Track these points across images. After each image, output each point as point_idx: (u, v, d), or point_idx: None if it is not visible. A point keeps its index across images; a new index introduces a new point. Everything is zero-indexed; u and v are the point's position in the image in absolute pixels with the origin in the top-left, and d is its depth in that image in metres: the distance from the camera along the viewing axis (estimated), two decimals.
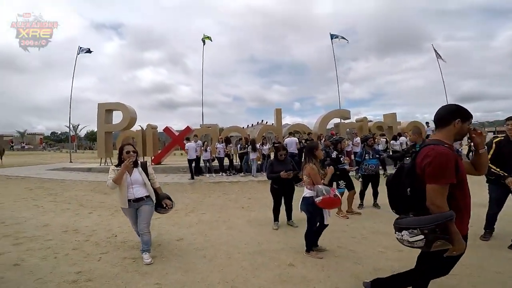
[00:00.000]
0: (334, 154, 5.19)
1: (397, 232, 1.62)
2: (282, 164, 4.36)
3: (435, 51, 18.77)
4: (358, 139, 11.14)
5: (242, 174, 10.90)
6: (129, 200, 3.26)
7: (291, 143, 10.15)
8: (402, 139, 11.73)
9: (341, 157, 5.25)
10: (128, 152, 3.23)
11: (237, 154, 11.27)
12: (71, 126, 29.84)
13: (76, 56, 15.77)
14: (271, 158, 5.28)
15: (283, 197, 4.57)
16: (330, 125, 14.43)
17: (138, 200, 3.29)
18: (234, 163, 11.58)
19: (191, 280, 2.87)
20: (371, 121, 14.17)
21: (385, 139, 11.50)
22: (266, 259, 3.38)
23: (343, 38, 18.11)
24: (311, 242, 3.46)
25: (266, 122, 18.64)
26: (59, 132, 68.79)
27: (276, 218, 4.63)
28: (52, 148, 51.83)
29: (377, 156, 5.52)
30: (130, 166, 3.22)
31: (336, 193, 3.16)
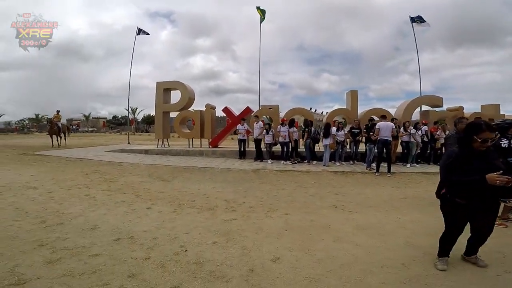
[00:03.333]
0: (505, 143, 3.62)
1: None
2: (483, 159, 2.19)
3: None
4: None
5: (306, 162, 9.33)
6: None
7: (386, 128, 7.57)
8: None
9: None
10: None
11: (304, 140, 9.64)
12: (129, 109, 32.43)
13: (135, 37, 15.93)
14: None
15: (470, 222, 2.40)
16: (415, 114, 11.67)
17: None
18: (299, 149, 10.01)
19: None
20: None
21: None
22: None
23: (422, 21, 14.18)
24: None
25: (316, 110, 16.60)
26: (120, 116, 75.64)
27: (445, 252, 2.55)
28: (113, 130, 57.46)
29: None
30: None
31: None
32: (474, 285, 2.14)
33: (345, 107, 11.55)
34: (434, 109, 11.35)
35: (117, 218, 3.97)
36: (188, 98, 12.06)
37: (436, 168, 8.37)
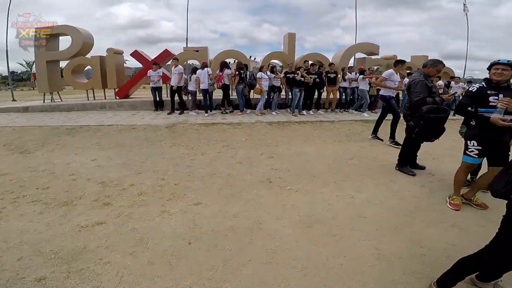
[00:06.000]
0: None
1: None
2: None
3: (465, 5, 18.02)
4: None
5: (239, 112, 7.84)
6: None
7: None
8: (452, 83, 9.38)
9: None
10: None
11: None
12: (23, 63, 31.39)
13: None
14: None
15: None
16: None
17: None
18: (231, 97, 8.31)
19: None
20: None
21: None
22: None
23: None
24: None
25: (255, 59, 14.96)
26: (19, 72, 59.41)
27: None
28: (9, 87, 45.34)
29: None
30: None
31: None
32: None
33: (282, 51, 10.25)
34: (370, 56, 10.89)
35: None
36: (82, 44, 9.16)
37: (372, 116, 7.92)
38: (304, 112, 7.82)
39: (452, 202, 2.71)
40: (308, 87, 7.54)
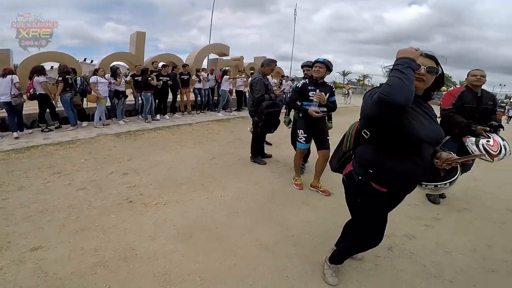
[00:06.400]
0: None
1: None
2: None
3: (295, 10, 25.78)
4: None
5: (70, 127, 6.23)
6: None
7: None
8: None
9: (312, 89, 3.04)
10: None
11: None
12: None
13: None
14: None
15: None
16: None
17: None
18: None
19: None
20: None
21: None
22: None
23: None
24: None
25: (91, 61, 12.26)
26: None
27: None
28: None
29: None
30: None
31: None
32: None
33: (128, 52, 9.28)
34: (222, 57, 11.75)
35: None
36: None
37: (227, 115, 8.58)
38: (158, 117, 7.35)
39: (296, 182, 3.33)
40: (160, 90, 7.13)
